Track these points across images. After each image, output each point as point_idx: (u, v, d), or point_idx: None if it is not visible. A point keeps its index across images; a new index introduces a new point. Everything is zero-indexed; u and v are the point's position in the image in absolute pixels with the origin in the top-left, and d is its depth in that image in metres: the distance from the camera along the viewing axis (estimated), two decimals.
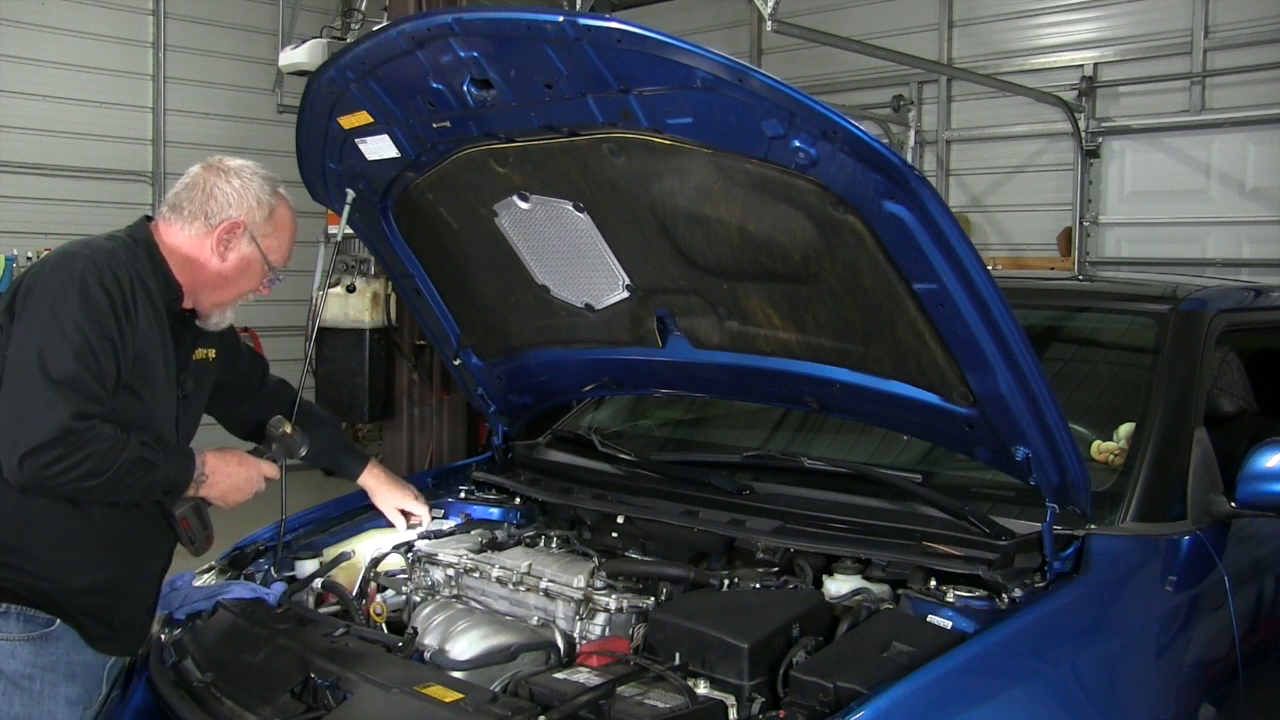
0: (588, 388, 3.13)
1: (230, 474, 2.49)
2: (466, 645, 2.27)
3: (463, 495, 3.19)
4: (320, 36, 7.97)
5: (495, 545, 2.82)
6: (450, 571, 2.69)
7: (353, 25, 8.81)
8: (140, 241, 2.42)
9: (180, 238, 2.45)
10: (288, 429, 2.71)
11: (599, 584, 2.48)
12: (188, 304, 2.49)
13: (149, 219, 2.51)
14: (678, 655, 2.07)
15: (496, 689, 2.14)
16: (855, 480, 2.63)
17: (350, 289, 6.18)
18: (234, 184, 2.46)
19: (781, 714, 1.90)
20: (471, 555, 2.71)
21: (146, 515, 2.42)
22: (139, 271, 2.35)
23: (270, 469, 2.63)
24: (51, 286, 2.25)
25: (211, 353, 2.62)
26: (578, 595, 2.43)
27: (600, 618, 2.39)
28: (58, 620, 2.31)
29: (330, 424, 3.06)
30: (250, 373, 2.86)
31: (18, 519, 2.28)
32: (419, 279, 3.03)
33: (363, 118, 2.54)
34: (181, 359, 2.48)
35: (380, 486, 3.00)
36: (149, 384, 2.36)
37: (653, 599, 2.41)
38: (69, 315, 2.22)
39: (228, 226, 2.45)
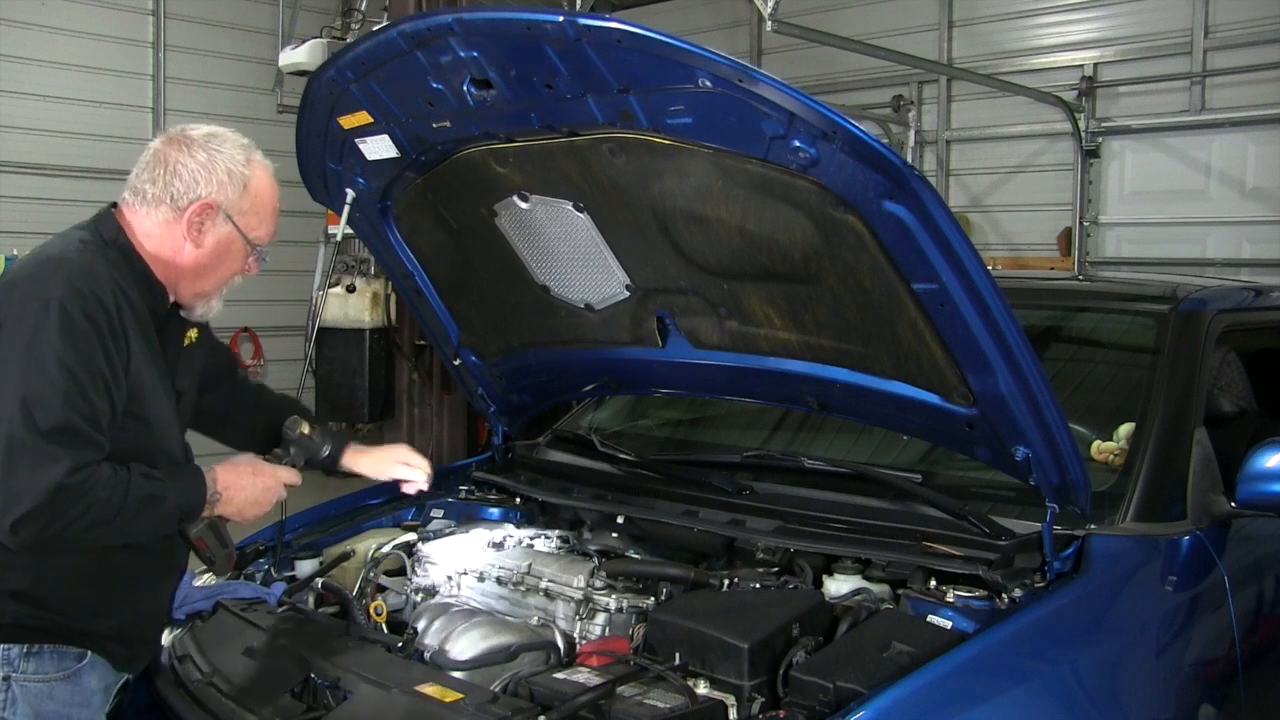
0: (588, 388, 3.14)
1: (245, 487, 2.27)
2: (466, 645, 2.27)
3: (463, 495, 3.19)
4: (320, 36, 7.97)
5: (495, 545, 2.82)
6: (450, 571, 2.69)
7: (353, 25, 8.80)
8: (112, 244, 2.14)
9: (148, 225, 2.16)
10: (305, 429, 2.52)
11: (599, 584, 2.48)
12: (170, 299, 2.26)
13: (114, 206, 2.21)
14: (678, 655, 2.07)
15: (496, 689, 2.13)
16: (855, 480, 2.63)
17: (350, 289, 6.19)
18: (199, 157, 2.15)
19: (781, 714, 1.91)
20: (471, 555, 2.70)
21: (164, 542, 2.25)
22: (120, 283, 2.09)
23: (290, 475, 2.41)
24: (26, 320, 1.96)
25: (194, 333, 2.36)
26: (578, 595, 2.43)
27: (600, 618, 2.39)
28: (89, 652, 2.15)
29: (307, 412, 2.92)
30: (217, 360, 2.61)
31: (34, 571, 2.07)
32: (419, 279, 3.03)
33: (363, 118, 2.54)
34: (171, 358, 2.27)
35: (371, 460, 2.76)
36: (149, 405, 2.15)
37: (653, 599, 2.41)
38: (50, 353, 1.94)
39: (198, 209, 2.15)
